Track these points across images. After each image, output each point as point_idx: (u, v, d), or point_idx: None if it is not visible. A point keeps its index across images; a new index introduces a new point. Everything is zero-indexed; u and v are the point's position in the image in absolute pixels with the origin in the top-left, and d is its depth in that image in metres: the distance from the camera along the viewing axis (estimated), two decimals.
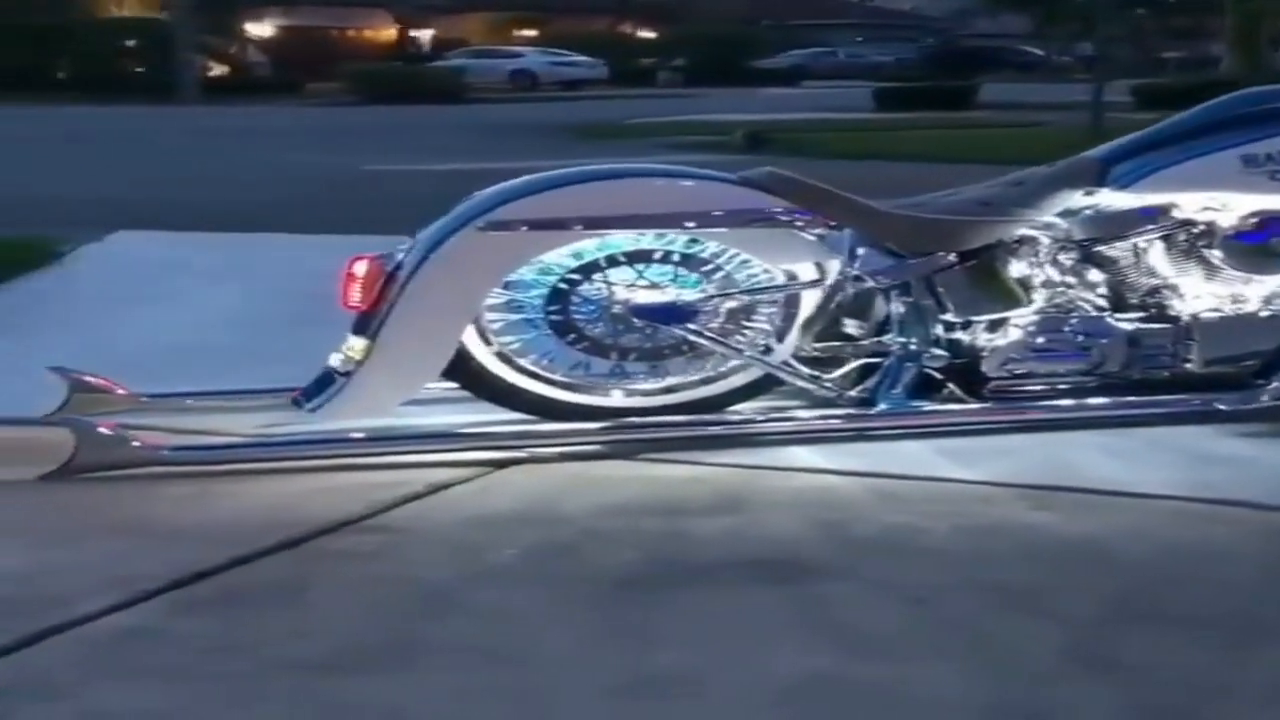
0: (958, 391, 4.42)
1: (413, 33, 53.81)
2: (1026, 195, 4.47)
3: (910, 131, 20.12)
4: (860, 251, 4.33)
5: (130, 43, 40.32)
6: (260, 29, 49.09)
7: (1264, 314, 4.47)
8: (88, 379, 4.38)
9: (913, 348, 4.38)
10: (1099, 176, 4.50)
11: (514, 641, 2.82)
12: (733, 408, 4.43)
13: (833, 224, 4.33)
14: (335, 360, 4.20)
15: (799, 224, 4.32)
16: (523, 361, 4.29)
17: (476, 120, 25.82)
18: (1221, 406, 4.37)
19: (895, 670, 2.68)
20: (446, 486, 3.81)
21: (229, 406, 4.45)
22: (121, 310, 6.31)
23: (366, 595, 3.07)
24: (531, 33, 53.98)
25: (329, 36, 48.81)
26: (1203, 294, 4.47)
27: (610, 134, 21.42)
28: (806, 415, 4.33)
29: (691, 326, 4.28)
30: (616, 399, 4.36)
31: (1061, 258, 4.47)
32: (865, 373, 4.44)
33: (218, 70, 41.36)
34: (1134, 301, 4.49)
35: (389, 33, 53.35)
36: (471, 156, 15.00)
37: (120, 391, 4.40)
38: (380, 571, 3.22)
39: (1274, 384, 4.40)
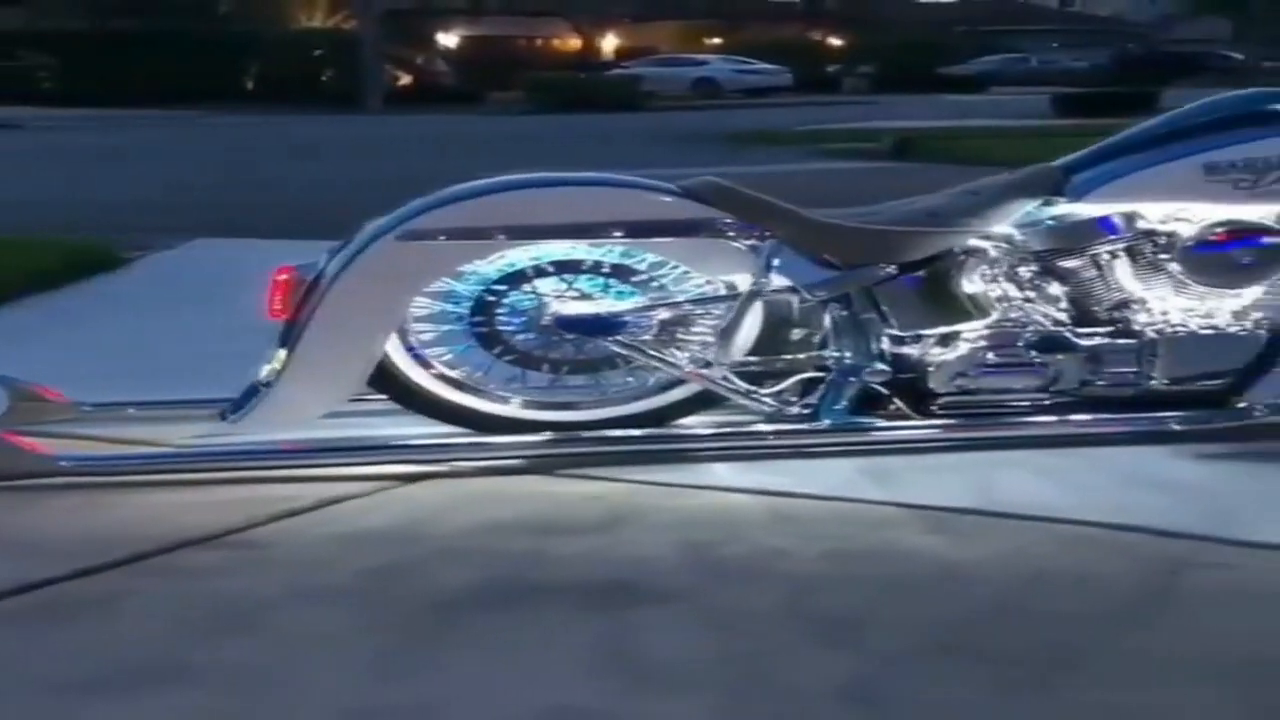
0: (904, 408, 4.26)
1: (598, 42, 54.08)
2: (978, 205, 4.30)
3: (1072, 138, 19.52)
4: (797, 263, 4.19)
5: (317, 53, 41.04)
6: (447, 39, 49.75)
7: (1229, 330, 4.25)
8: (30, 387, 4.40)
9: (856, 362, 4.23)
10: (1057, 185, 4.31)
11: (284, 665, 2.76)
12: (678, 422, 4.31)
13: (770, 235, 4.19)
14: (262, 371, 4.17)
15: (737, 235, 4.19)
16: (454, 374, 4.22)
17: (642, 128, 25.74)
18: (1176, 426, 4.17)
19: (649, 704, 2.58)
20: (336, 501, 3.76)
21: (169, 416, 4.43)
22: (168, 315, 6.36)
23: (176, 613, 3.02)
24: (719, 40, 53.90)
25: (515, 46, 49.20)
26: (1164, 308, 4.26)
27: (766, 141, 21.24)
28: (747, 431, 4.21)
29: (622, 339, 4.18)
30: (552, 412, 4.26)
31: (1016, 270, 4.28)
32: (810, 388, 4.29)
33: (404, 80, 41.93)
34: (1092, 316, 4.28)
35: (574, 42, 53.71)
36: (608, 164, 14.94)
37: (61, 400, 4.41)
38: (209, 588, 3.17)
39: (1234, 403, 4.20)
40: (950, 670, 2.70)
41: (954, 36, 55.35)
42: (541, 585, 3.17)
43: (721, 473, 4.02)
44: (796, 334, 4.31)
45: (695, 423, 4.31)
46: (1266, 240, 4.21)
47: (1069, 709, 2.55)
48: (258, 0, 44.77)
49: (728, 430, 4.24)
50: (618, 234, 4.16)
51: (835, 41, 55.08)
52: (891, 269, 4.22)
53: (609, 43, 54.65)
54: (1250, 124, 4.29)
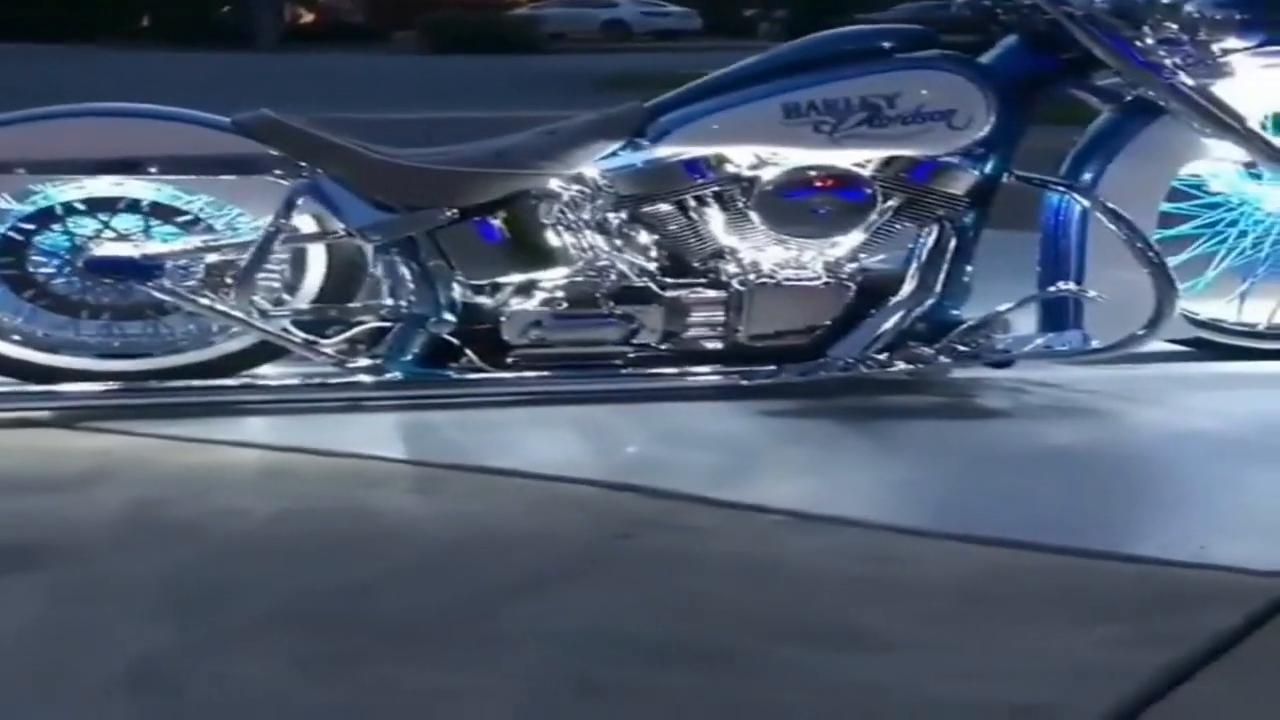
0: (476, 360, 4.02)
1: None
2: (553, 146, 4.04)
3: None
4: (351, 204, 3.94)
5: None
6: None
7: (815, 282, 4.02)
8: None
9: (422, 312, 3.98)
10: (640, 126, 4.06)
11: None
12: (247, 372, 4.07)
13: (322, 173, 3.94)
14: None
15: (287, 174, 3.94)
16: None
17: (523, 70, 25.28)
18: (744, 382, 3.96)
19: None
20: None
21: None
22: None
23: None
24: None
25: None
26: (750, 258, 4.01)
27: (633, 85, 20.88)
28: (309, 384, 3.98)
29: (165, 284, 3.92)
30: (99, 361, 4.01)
31: (596, 215, 4.03)
32: (379, 338, 4.05)
33: (307, 17, 41.27)
34: (677, 265, 4.04)
35: None
36: (450, 106, 14.62)
37: None
38: None
39: (814, 358, 3.98)
40: (277, 644, 2.48)
41: None
42: None
43: (254, 427, 3.79)
44: (361, 281, 4.06)
45: (262, 374, 4.07)
46: (852, 188, 3.98)
47: (359, 690, 2.33)
48: None
49: (289, 383, 4.01)
50: (154, 170, 3.90)
51: None
52: (453, 212, 3.97)
53: None
54: (841, 62, 4.06)
